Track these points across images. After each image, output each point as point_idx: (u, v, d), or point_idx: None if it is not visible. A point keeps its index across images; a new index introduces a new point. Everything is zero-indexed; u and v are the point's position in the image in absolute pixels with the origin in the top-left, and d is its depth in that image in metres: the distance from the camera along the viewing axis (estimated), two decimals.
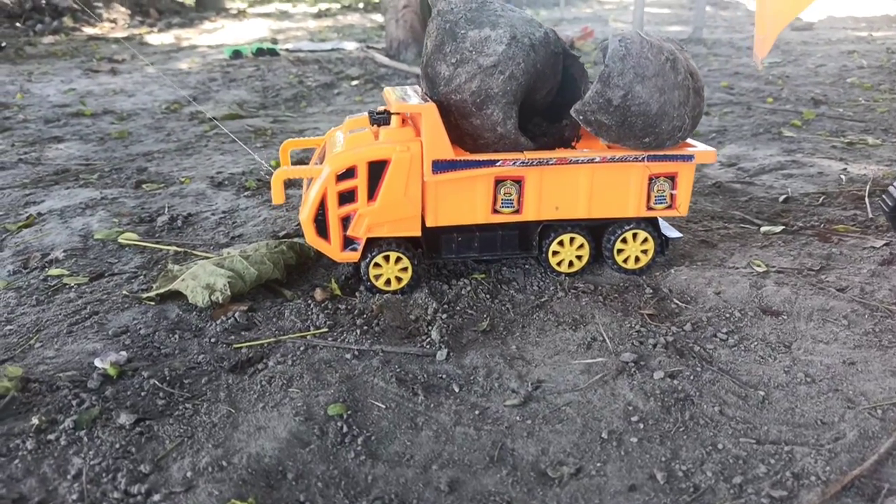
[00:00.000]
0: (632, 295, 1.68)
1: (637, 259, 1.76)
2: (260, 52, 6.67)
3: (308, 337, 1.51)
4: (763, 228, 2.11)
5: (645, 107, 1.49)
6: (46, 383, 1.31)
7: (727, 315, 1.56)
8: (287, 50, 7.22)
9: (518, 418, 1.23)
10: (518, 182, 1.61)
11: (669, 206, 1.69)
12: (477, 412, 1.26)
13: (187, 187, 2.67)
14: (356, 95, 4.91)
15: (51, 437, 1.16)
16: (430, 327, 1.56)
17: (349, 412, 1.24)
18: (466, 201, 1.62)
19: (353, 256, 1.67)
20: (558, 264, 1.75)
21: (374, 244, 1.66)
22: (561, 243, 1.72)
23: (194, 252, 1.99)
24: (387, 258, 1.66)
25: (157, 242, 2.09)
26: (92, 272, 1.89)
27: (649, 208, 1.69)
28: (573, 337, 1.50)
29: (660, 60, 1.48)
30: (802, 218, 2.22)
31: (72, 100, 4.84)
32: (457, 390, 1.33)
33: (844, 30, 8.70)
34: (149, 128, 3.87)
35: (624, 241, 1.73)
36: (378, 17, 11.85)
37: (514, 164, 1.58)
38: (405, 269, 1.68)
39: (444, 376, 1.37)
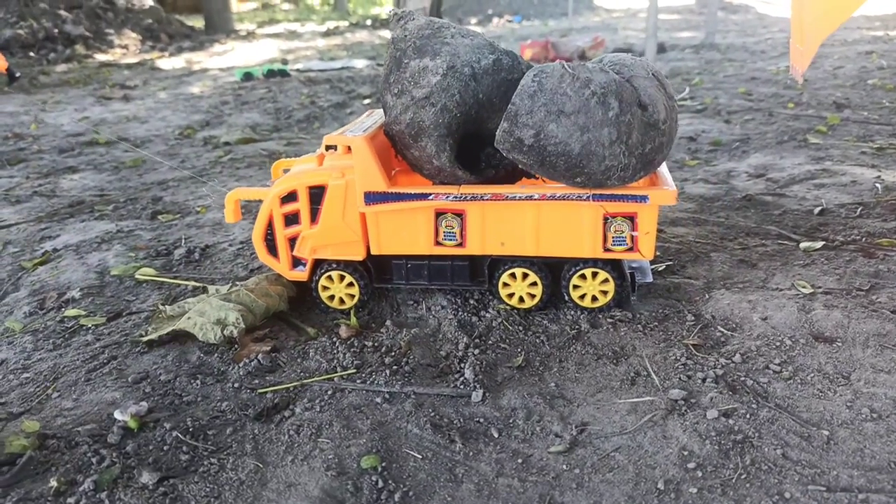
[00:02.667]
0: (672, 323, 1.60)
1: (595, 298, 1.65)
2: (271, 74, 6.66)
3: (335, 379, 1.44)
4: (803, 245, 2.02)
5: (563, 147, 1.38)
6: (65, 439, 1.25)
7: (777, 343, 1.47)
8: (298, 70, 7.22)
9: (565, 467, 1.15)
10: (459, 215, 1.57)
11: (630, 249, 1.55)
12: (520, 460, 1.18)
13: (203, 217, 2.62)
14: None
15: (70, 500, 1.10)
16: (462, 364, 1.48)
17: (383, 464, 1.17)
18: (408, 232, 1.61)
19: (301, 276, 1.73)
20: (509, 296, 1.68)
21: (322, 264, 1.71)
22: (513, 276, 1.65)
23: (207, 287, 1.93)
24: (336, 277, 1.71)
25: (175, 277, 2.03)
26: (109, 311, 1.83)
27: (607, 249, 1.56)
28: (615, 372, 1.42)
29: (582, 96, 1.36)
30: (842, 232, 2.13)
31: (85, 128, 4.83)
32: (496, 435, 1.25)
33: (859, 29, 8.58)
34: (163, 155, 3.85)
35: (583, 277, 1.63)
36: (386, 34, 11.88)
37: (446, 198, 1.54)
38: (354, 291, 1.72)
39: (481, 420, 1.29)
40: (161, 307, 1.74)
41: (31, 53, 8.83)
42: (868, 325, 1.51)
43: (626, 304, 1.68)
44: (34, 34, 9.07)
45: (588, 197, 1.49)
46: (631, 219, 1.51)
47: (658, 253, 2.03)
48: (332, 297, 1.73)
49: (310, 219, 1.65)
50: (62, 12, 9.68)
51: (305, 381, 1.44)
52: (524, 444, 1.22)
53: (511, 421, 1.29)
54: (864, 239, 2.05)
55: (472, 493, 1.11)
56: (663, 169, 1.61)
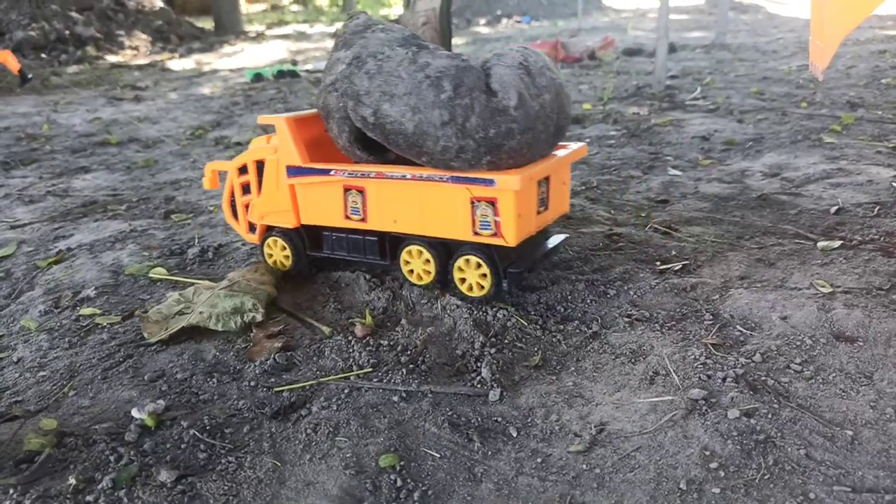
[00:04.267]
0: (690, 322, 1.59)
1: (481, 287, 1.67)
2: (281, 75, 6.68)
3: (352, 378, 1.43)
4: (820, 244, 2.00)
5: (399, 125, 1.48)
6: (82, 437, 1.24)
7: (798, 343, 1.45)
8: (307, 71, 7.23)
9: (585, 466, 1.14)
10: (361, 192, 1.69)
11: (495, 234, 1.57)
12: (539, 460, 1.17)
13: (216, 216, 2.62)
14: None
15: (89, 498, 1.10)
16: (478, 363, 1.47)
17: (402, 463, 1.16)
18: (324, 205, 1.77)
19: (254, 238, 1.97)
20: (410, 273, 1.76)
21: (269, 230, 1.91)
22: (410, 253, 1.73)
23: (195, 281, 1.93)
24: (275, 243, 1.90)
25: (189, 276, 2.03)
26: (124, 310, 1.84)
27: (475, 233, 1.60)
28: (633, 371, 1.41)
29: (415, 79, 1.45)
30: (860, 231, 2.11)
31: (97, 129, 4.85)
32: (514, 434, 1.24)
33: (871, 28, 8.52)
34: (174, 155, 3.86)
35: (467, 262, 1.66)
36: None
37: (342, 174, 1.68)
38: (288, 256, 1.89)
39: (499, 419, 1.28)
40: (144, 314, 1.74)
41: (43, 55, 8.88)
42: (889, 325, 1.49)
43: (502, 296, 1.70)
44: (46, 36, 9.13)
45: (448, 178, 1.55)
46: (493, 203, 1.54)
47: (674, 252, 2.01)
48: (275, 262, 1.93)
49: (257, 189, 1.88)
50: (73, 14, 9.74)
51: (322, 379, 1.43)
52: (543, 444, 1.21)
53: (529, 420, 1.28)
54: (882, 238, 2.03)
55: (492, 492, 1.10)
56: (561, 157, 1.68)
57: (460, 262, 1.66)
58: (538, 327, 1.63)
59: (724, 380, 1.33)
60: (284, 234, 1.87)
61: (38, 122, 5.14)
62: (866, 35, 7.97)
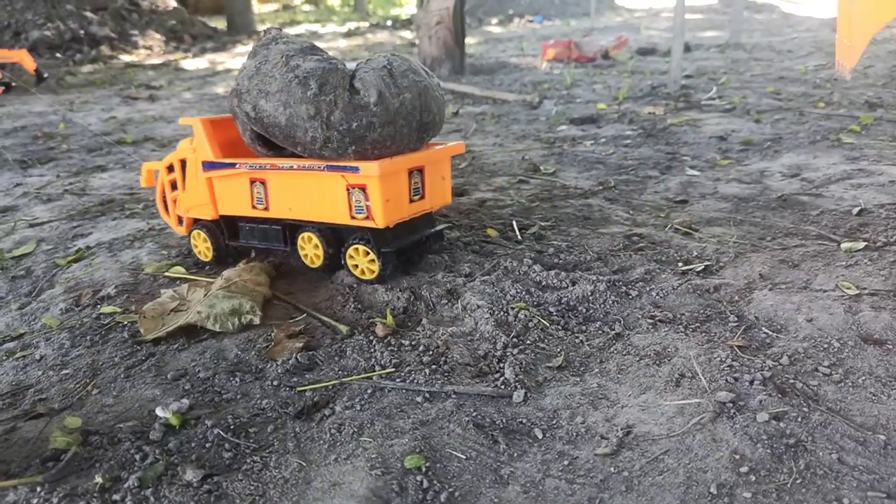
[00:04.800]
0: (715, 324, 1.57)
1: (371, 271, 1.83)
2: None
3: (374, 378, 1.42)
4: (844, 245, 1.98)
5: (273, 119, 1.69)
6: (107, 435, 1.25)
7: (825, 346, 1.43)
8: None
9: (612, 469, 1.13)
10: (263, 183, 1.87)
11: (367, 217, 1.74)
12: (566, 462, 1.16)
13: None
14: None
15: (116, 497, 1.10)
16: (501, 364, 1.46)
17: (427, 464, 1.15)
18: (234, 196, 1.94)
19: (182, 230, 2.14)
20: (305, 257, 1.91)
21: (195, 223, 2.08)
22: (303, 239, 1.89)
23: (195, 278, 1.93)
24: (199, 235, 2.06)
25: (207, 276, 2.03)
26: None
27: (353, 217, 1.77)
28: (658, 373, 1.39)
29: (287, 79, 1.66)
30: (883, 232, 2.08)
31: (113, 128, 4.88)
32: (540, 436, 1.23)
33: (889, 28, 8.43)
34: None
35: (356, 250, 1.82)
36: (407, 34, 11.89)
37: (245, 167, 1.86)
38: (209, 247, 2.06)
39: (524, 420, 1.27)
40: (142, 311, 1.74)
41: (58, 54, 8.95)
42: None
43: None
44: (61, 35, 9.20)
45: (323, 167, 1.72)
46: (363, 189, 1.71)
47: (695, 253, 1.99)
48: (199, 251, 2.09)
49: (182, 185, 2.06)
50: (88, 14, 9.81)
51: (344, 379, 1.43)
52: (569, 446, 1.20)
53: (554, 422, 1.27)
54: None
55: (519, 494, 1.09)
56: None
57: (350, 250, 1.84)
58: (560, 328, 1.62)
59: (751, 382, 1.32)
60: (206, 226, 2.05)
61: (54, 121, 5.18)
62: (883, 34, 7.89)
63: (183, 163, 2.05)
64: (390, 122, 1.68)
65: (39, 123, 5.13)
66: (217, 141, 1.95)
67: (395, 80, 1.70)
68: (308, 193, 1.81)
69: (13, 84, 6.85)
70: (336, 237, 1.88)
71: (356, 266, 1.84)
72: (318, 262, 1.89)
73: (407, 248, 1.89)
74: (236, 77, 1.82)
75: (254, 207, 1.92)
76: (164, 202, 2.16)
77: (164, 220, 2.18)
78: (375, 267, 1.81)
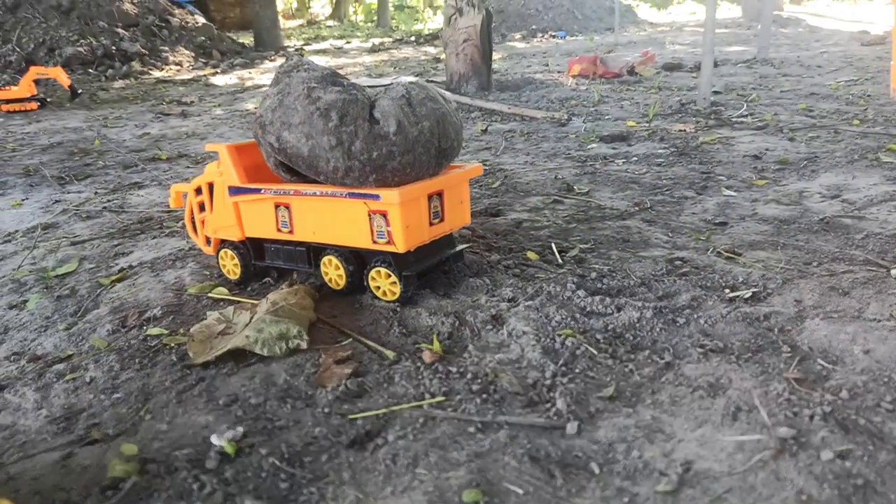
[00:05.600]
0: (768, 354, 1.54)
1: (393, 293, 1.87)
2: None
3: (425, 407, 1.42)
4: (894, 272, 1.94)
5: (296, 149, 1.75)
6: (164, 463, 1.25)
7: (885, 379, 1.40)
8: None
9: None
10: (287, 208, 1.94)
11: (388, 242, 1.80)
12: (626, 499, 1.14)
13: None
14: None
15: None
16: (550, 393, 1.45)
17: (486, 499, 1.14)
18: (260, 219, 2.02)
19: (210, 250, 2.21)
20: (329, 280, 1.97)
21: (223, 243, 2.14)
22: (326, 263, 1.95)
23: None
24: (226, 254, 2.13)
25: (250, 297, 2.04)
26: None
27: (374, 241, 1.82)
28: (713, 405, 1.37)
29: (308, 111, 1.72)
30: None
31: (147, 144, 4.96)
32: (597, 471, 1.21)
33: None
34: None
35: (378, 272, 1.87)
36: (431, 49, 11.97)
37: (270, 192, 1.93)
38: (237, 265, 2.11)
39: (579, 454, 1.26)
40: (188, 333, 1.77)
41: (90, 70, 9.13)
42: None
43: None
44: (93, 51, 9.39)
45: (345, 195, 1.79)
46: (384, 216, 1.76)
47: (741, 278, 1.97)
48: (228, 270, 2.16)
49: (210, 207, 2.14)
50: (119, 30, 10.01)
51: (394, 407, 1.42)
52: (628, 482, 1.18)
53: (611, 455, 1.25)
54: None
55: None
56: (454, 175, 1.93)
57: (373, 272, 1.88)
58: (608, 356, 1.60)
59: (811, 418, 1.29)
60: (234, 246, 2.12)
61: (89, 137, 5.27)
62: None
63: (210, 186, 2.13)
64: (409, 151, 1.73)
65: (75, 139, 5.23)
66: (242, 166, 2.02)
67: (413, 108, 1.76)
68: (331, 219, 1.87)
69: (48, 100, 7.00)
70: (358, 260, 1.92)
71: (378, 288, 1.89)
72: (340, 285, 1.95)
73: (427, 270, 1.93)
74: (259, 105, 1.87)
75: (279, 231, 1.99)
76: (193, 223, 2.24)
77: (193, 239, 2.26)
78: (397, 289, 1.85)
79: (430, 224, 1.87)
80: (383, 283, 1.87)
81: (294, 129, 1.74)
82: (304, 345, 1.69)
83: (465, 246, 2.09)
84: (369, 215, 1.78)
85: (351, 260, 1.91)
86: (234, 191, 2.02)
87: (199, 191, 2.17)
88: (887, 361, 1.46)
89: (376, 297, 1.90)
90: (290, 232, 1.97)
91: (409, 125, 1.73)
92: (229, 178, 2.02)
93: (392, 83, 1.84)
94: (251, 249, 2.10)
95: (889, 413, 1.30)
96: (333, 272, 1.94)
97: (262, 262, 2.11)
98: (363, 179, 1.75)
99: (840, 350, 1.54)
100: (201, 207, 2.18)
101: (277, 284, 2.11)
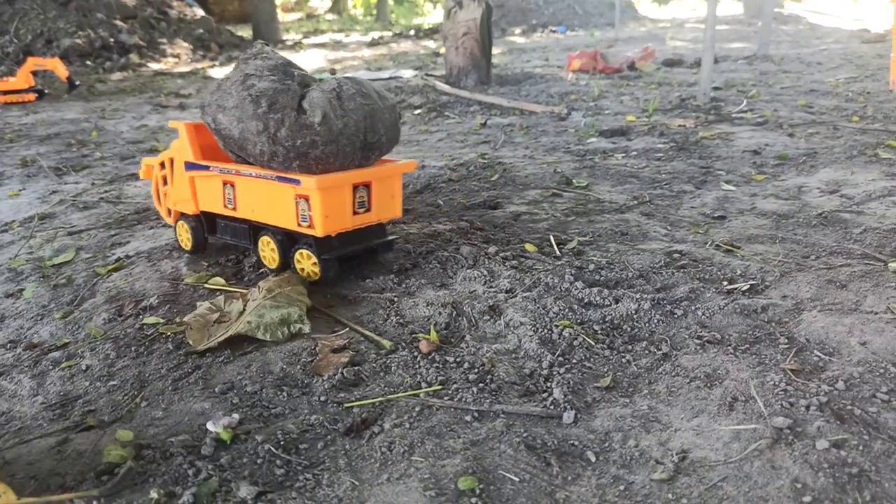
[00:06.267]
0: (765, 346, 1.55)
1: (315, 273, 1.96)
2: None
3: (422, 395, 1.42)
4: (892, 265, 1.94)
5: (228, 131, 1.88)
6: (160, 449, 1.25)
7: (881, 370, 1.41)
8: None
9: (671, 496, 1.11)
10: (232, 186, 2.04)
11: (310, 226, 1.88)
12: (621, 487, 1.14)
13: None
14: (420, 124, 4.88)
15: None
16: (548, 383, 1.45)
17: (481, 486, 1.14)
18: (211, 195, 2.13)
19: (171, 221, 2.35)
20: (264, 257, 2.08)
21: (181, 216, 2.28)
22: (262, 241, 2.06)
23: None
24: (182, 226, 2.27)
25: (246, 287, 2.04)
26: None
27: (299, 224, 1.91)
28: (710, 396, 1.37)
29: (241, 96, 1.84)
30: None
31: (145, 136, 4.94)
32: (593, 459, 1.21)
33: None
34: None
35: (302, 254, 1.96)
36: (430, 44, 11.94)
37: (216, 170, 2.05)
38: (189, 238, 2.26)
39: (575, 442, 1.26)
40: (183, 322, 1.77)
41: (88, 62, 9.10)
42: None
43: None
44: (91, 43, 9.35)
45: (273, 177, 1.88)
46: (307, 200, 1.85)
47: (739, 271, 1.97)
48: (183, 241, 2.30)
49: (171, 181, 2.25)
50: (118, 22, 9.97)
51: (391, 396, 1.42)
52: (624, 470, 1.18)
53: (607, 444, 1.25)
54: None
55: None
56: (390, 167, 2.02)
57: (297, 254, 1.98)
58: (606, 347, 1.60)
59: (807, 408, 1.29)
60: (189, 218, 2.25)
61: (86, 129, 5.25)
62: None
63: (171, 161, 2.25)
64: (333, 142, 1.81)
65: (72, 131, 5.22)
66: (199, 144, 2.13)
67: (342, 102, 1.84)
68: (266, 199, 1.98)
69: (46, 91, 6.97)
70: (290, 240, 2.02)
71: (303, 269, 1.99)
72: (274, 264, 2.06)
73: (351, 255, 2.03)
74: None
75: (225, 207, 2.11)
76: (158, 194, 2.38)
77: (158, 209, 2.41)
78: (318, 271, 1.94)
79: (355, 213, 1.94)
80: (306, 264, 1.97)
81: (227, 112, 1.86)
82: (306, 329, 1.69)
83: (394, 237, 2.17)
84: (296, 199, 1.88)
85: (283, 240, 2.01)
86: (189, 166, 2.14)
87: (163, 165, 2.28)
88: (883, 353, 1.47)
89: (298, 275, 1.99)
90: (234, 209, 2.09)
91: (335, 118, 1.81)
92: (185, 154, 2.14)
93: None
94: (205, 223, 2.24)
95: (884, 403, 1.30)
96: (268, 251, 2.06)
97: (214, 235, 2.24)
98: (287, 164, 1.85)
99: (837, 342, 1.54)
100: (165, 181, 2.31)
101: (265, 274, 2.11)
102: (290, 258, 2.00)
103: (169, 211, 2.35)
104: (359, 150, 1.88)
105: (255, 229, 2.08)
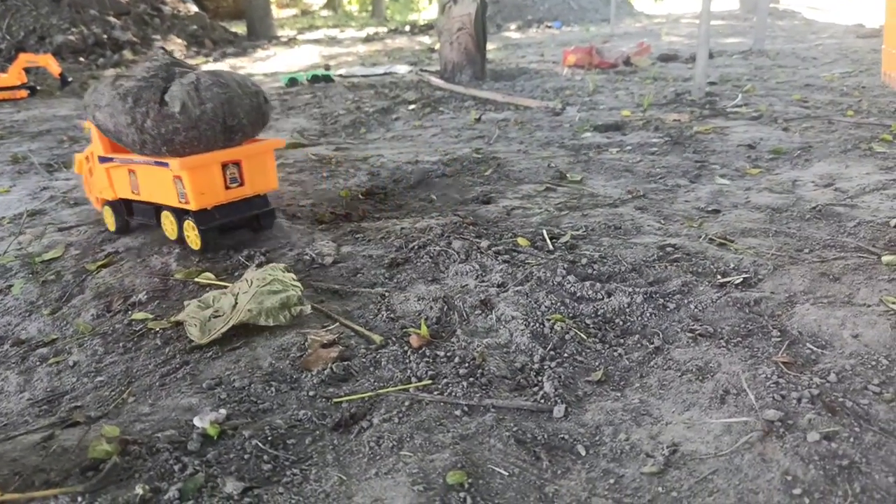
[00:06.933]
0: (757, 338, 1.54)
1: (197, 242, 2.24)
2: (315, 79, 6.71)
3: (411, 390, 1.41)
4: (885, 258, 1.93)
5: (106, 126, 2.16)
6: (146, 445, 1.24)
7: (873, 363, 1.40)
8: (341, 76, 7.26)
9: (661, 489, 1.10)
10: (134, 173, 2.32)
11: (186, 201, 2.16)
12: (612, 480, 1.13)
13: None
14: (415, 120, 4.86)
15: None
16: (539, 377, 1.44)
17: (470, 480, 1.13)
18: (122, 182, 2.40)
19: (98, 206, 2.61)
20: (166, 230, 2.36)
21: (106, 201, 2.54)
22: (164, 217, 2.34)
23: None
24: (107, 210, 2.54)
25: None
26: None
27: (180, 201, 2.19)
28: (702, 389, 1.36)
29: (111, 95, 2.11)
30: None
31: None
32: (583, 453, 1.20)
33: None
34: None
35: (188, 225, 2.24)
36: (425, 39, 11.91)
37: (118, 161, 2.34)
38: (112, 220, 2.53)
39: (565, 436, 1.25)
40: (182, 320, 1.75)
41: (81, 58, 9.04)
42: None
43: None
44: (84, 40, 9.30)
45: (154, 163, 2.17)
46: (180, 179, 2.13)
47: (732, 265, 1.96)
48: (108, 224, 2.56)
49: (93, 173, 2.52)
50: (111, 19, 9.91)
51: (380, 391, 1.41)
52: (614, 464, 1.17)
53: (597, 438, 1.24)
54: None
55: None
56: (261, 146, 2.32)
57: (185, 225, 2.25)
58: (597, 340, 1.59)
59: (799, 400, 1.28)
60: (111, 203, 2.51)
61: (78, 126, 5.22)
62: None
63: (93, 155, 2.51)
64: (194, 127, 2.08)
65: (64, 127, 5.18)
66: (108, 139, 2.36)
67: (199, 93, 2.09)
68: (155, 182, 2.26)
69: (38, 88, 6.93)
70: (182, 214, 2.27)
71: (188, 237, 2.27)
72: (174, 236, 2.34)
73: (232, 225, 2.33)
74: None
75: (132, 192, 2.38)
76: (88, 185, 2.63)
77: (88, 198, 2.67)
78: (199, 240, 2.22)
79: (227, 188, 2.22)
80: (191, 234, 2.24)
81: (102, 109, 2.13)
82: (307, 310, 1.71)
83: (273, 207, 2.45)
84: (174, 179, 2.16)
85: (178, 214, 2.28)
86: (102, 159, 2.42)
87: (88, 159, 2.54)
88: (875, 345, 1.46)
89: (184, 242, 2.29)
90: (138, 193, 2.36)
91: (193, 106, 2.06)
92: (98, 148, 2.41)
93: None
94: (125, 207, 2.52)
95: (876, 395, 1.29)
96: (168, 224, 2.34)
97: (132, 217, 2.53)
98: (157, 150, 2.13)
99: (829, 334, 1.53)
100: (91, 172, 2.57)
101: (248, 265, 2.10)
102: (180, 229, 2.29)
103: (97, 199, 2.62)
104: (220, 133, 2.14)
105: (158, 208, 2.36)
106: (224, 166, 2.20)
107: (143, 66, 2.20)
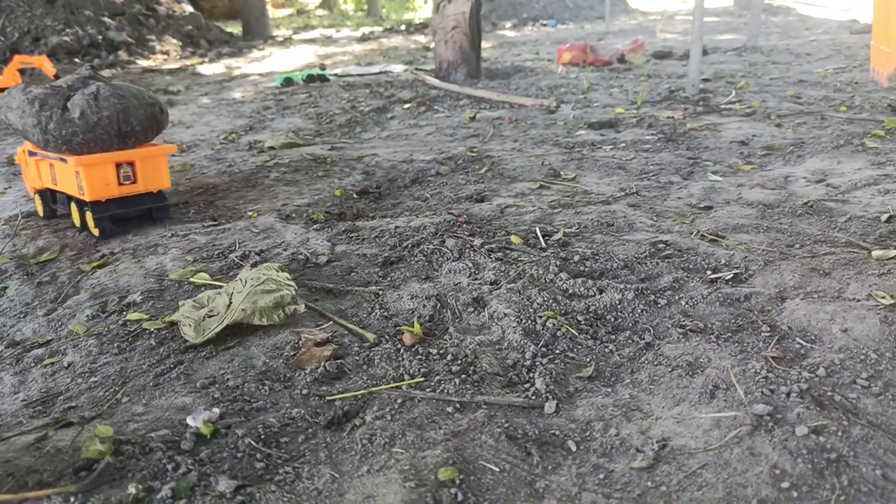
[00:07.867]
0: (747, 334, 1.55)
1: (97, 230, 2.55)
2: (310, 79, 6.71)
3: (404, 387, 1.42)
4: (875, 253, 1.95)
5: (16, 126, 2.52)
6: (139, 445, 1.24)
7: (862, 357, 1.41)
8: (336, 75, 7.26)
9: (650, 484, 1.11)
10: (53, 166, 2.64)
11: (83, 193, 2.48)
12: (601, 475, 1.14)
13: (256, 221, 2.63)
14: (410, 119, 4.86)
15: None
16: (531, 374, 1.45)
17: (461, 476, 1.14)
18: (46, 175, 2.72)
19: (32, 193, 2.91)
20: (75, 219, 2.66)
21: (38, 191, 2.86)
22: (73, 206, 2.65)
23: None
24: (38, 199, 2.87)
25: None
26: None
27: (80, 192, 2.50)
28: (692, 384, 1.37)
29: (21, 99, 2.46)
30: None
31: None
32: (574, 449, 1.21)
33: None
34: (210, 159, 3.88)
35: (87, 215, 2.54)
36: (421, 38, 11.91)
37: (37, 155, 2.70)
38: (41, 207, 2.86)
39: (556, 432, 1.26)
40: (176, 321, 1.75)
41: (77, 59, 9.02)
42: None
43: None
44: (79, 41, 9.28)
45: (60, 158, 2.51)
46: (78, 173, 2.46)
47: (723, 260, 1.97)
48: (39, 210, 2.87)
49: (27, 165, 2.87)
50: (106, 19, 9.90)
51: (373, 388, 1.42)
52: (604, 459, 1.18)
53: (588, 434, 1.25)
54: None
55: None
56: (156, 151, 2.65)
57: (86, 215, 2.55)
58: (589, 337, 1.60)
59: (788, 395, 1.30)
60: (40, 193, 2.84)
61: None
62: None
63: (29, 150, 2.81)
64: (90, 131, 2.43)
65: None
66: None
67: (98, 102, 2.43)
68: (63, 175, 2.59)
69: None
70: (82, 206, 2.57)
71: (90, 225, 2.56)
72: (78, 223, 2.65)
73: (126, 216, 2.63)
74: None
75: (53, 183, 2.69)
76: (26, 175, 2.94)
77: (26, 187, 3.01)
78: (96, 228, 2.54)
79: (121, 184, 2.54)
80: (90, 222, 2.55)
81: (13, 111, 2.49)
82: (301, 308, 1.71)
83: (167, 203, 2.75)
84: (74, 174, 2.48)
85: (81, 204, 2.58)
86: (31, 154, 2.76)
87: (24, 153, 2.85)
88: (864, 339, 1.47)
89: (85, 228, 2.59)
90: (56, 184, 2.67)
91: (91, 113, 2.41)
92: (28, 145, 2.73)
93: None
94: (51, 196, 2.83)
95: (864, 389, 1.31)
96: (75, 213, 2.65)
97: (56, 205, 2.84)
98: (58, 149, 2.49)
99: (819, 329, 1.54)
100: (26, 164, 2.90)
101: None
102: (83, 216, 2.57)
103: (31, 188, 2.92)
104: (115, 137, 2.48)
105: (70, 198, 2.66)
106: (118, 165, 2.52)
107: (63, 78, 2.58)
